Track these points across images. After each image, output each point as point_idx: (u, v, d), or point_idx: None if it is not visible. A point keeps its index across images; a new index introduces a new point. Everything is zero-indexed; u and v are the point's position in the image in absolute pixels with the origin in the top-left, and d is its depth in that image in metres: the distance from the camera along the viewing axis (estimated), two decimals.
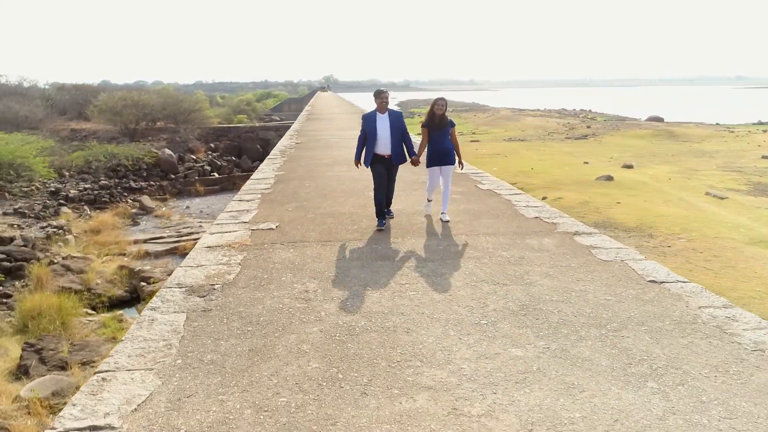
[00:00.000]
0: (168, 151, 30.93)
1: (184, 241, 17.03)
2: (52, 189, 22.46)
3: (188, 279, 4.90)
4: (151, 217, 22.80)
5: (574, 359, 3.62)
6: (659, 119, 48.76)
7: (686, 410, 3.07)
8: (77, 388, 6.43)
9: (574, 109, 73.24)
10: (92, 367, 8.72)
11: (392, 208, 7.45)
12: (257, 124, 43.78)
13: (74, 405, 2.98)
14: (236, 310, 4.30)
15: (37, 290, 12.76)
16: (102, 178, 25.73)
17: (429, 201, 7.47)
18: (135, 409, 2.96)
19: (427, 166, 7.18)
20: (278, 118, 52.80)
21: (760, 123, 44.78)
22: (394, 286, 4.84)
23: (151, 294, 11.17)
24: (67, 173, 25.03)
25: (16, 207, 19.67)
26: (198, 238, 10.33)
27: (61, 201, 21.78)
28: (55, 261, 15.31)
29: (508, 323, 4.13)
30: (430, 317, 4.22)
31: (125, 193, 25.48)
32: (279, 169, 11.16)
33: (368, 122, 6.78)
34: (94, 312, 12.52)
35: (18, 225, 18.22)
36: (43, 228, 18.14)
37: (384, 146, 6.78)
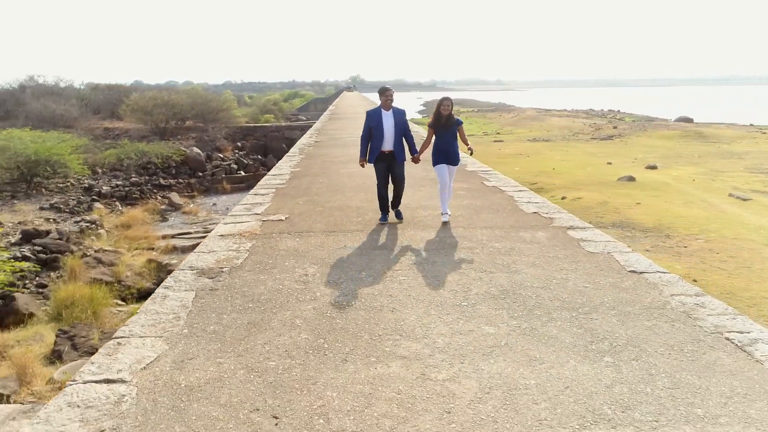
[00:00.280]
0: (196, 150, 31.83)
1: None
2: (86, 185, 23.40)
3: (200, 263, 5.39)
4: (179, 214, 23.57)
5: (541, 337, 3.96)
6: (688, 120, 47.96)
7: (634, 381, 3.39)
8: None
9: (602, 110, 72.37)
10: None
11: (401, 203, 7.44)
12: (283, 124, 44.59)
13: (92, 363, 3.46)
14: (240, 290, 4.75)
15: (70, 281, 13.44)
16: (133, 176, 26.66)
17: (445, 213, 7.23)
18: (144, 368, 3.42)
19: (434, 164, 7.26)
20: (304, 118, 53.61)
21: None
22: (386, 272, 5.24)
23: None
24: (100, 170, 26.01)
25: (52, 202, 20.58)
26: None
27: (94, 197, 22.67)
28: (88, 254, 16.06)
29: (487, 305, 4.49)
30: (415, 299, 4.60)
31: (155, 190, 26.34)
32: (295, 166, 11.65)
33: (373, 118, 6.98)
34: (123, 303, 13.12)
35: (54, 219, 19.07)
36: (77, 222, 18.94)
37: (387, 142, 7.00)
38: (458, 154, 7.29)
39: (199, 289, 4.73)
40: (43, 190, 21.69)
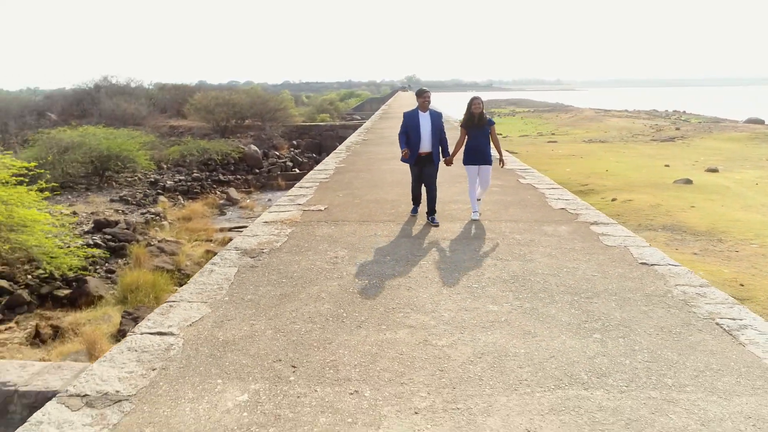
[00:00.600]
0: (254, 147, 33.19)
1: None
2: (152, 180, 24.93)
3: (244, 244, 6.06)
4: (236, 208, 24.75)
5: (539, 315, 4.36)
6: (759, 121, 45.72)
7: (615, 354, 3.76)
8: None
9: (666, 111, 69.88)
10: None
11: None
12: (338, 123, 45.62)
13: (148, 320, 4.14)
14: (277, 268, 5.37)
15: (135, 268, 14.52)
16: (195, 171, 28.14)
17: (474, 212, 7.41)
18: (189, 325, 4.07)
19: (464, 164, 7.32)
20: (359, 117, 54.57)
21: None
22: (409, 257, 5.74)
23: None
24: (164, 166, 27.60)
25: (122, 195, 22.09)
26: None
27: (159, 191, 24.14)
28: (152, 243, 17.25)
29: (496, 288, 4.92)
30: (430, 280, 5.08)
31: (214, 186, 27.71)
32: (341, 162, 12.30)
33: (410, 119, 7.06)
34: None
35: (122, 211, 20.50)
36: (142, 214, 20.28)
37: (424, 144, 7.06)
38: (490, 154, 7.27)
39: (241, 266, 5.38)
40: (114, 183, 23.30)
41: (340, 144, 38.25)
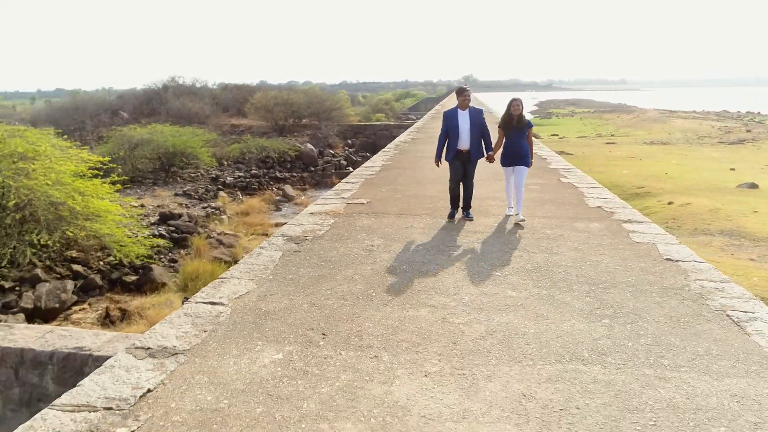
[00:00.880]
0: (310, 146, 34.21)
1: None
2: (213, 176, 26.22)
3: (290, 232, 6.64)
4: (292, 204, 25.69)
5: (554, 301, 4.68)
6: None
7: (620, 338, 4.04)
8: None
9: (738, 112, 66.66)
10: None
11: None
12: (392, 123, 46.21)
13: (202, 292, 4.74)
14: (317, 253, 5.90)
15: (196, 258, 15.45)
16: (253, 168, 29.34)
17: (510, 208, 7.61)
18: (237, 297, 4.64)
19: (502, 165, 7.42)
20: (414, 117, 55.00)
21: None
22: (440, 247, 6.14)
23: None
24: (225, 163, 28.92)
25: (185, 189, 23.39)
26: None
27: (219, 186, 25.36)
28: (211, 236, 18.27)
29: (517, 277, 5.25)
30: (457, 267, 5.47)
31: (271, 182, 28.79)
32: (387, 160, 12.80)
33: (449, 119, 7.19)
34: None
35: (185, 204, 21.72)
36: (204, 208, 21.42)
37: (463, 141, 7.15)
38: (528, 156, 7.28)
39: (286, 251, 5.95)
40: (178, 178, 24.67)
41: None
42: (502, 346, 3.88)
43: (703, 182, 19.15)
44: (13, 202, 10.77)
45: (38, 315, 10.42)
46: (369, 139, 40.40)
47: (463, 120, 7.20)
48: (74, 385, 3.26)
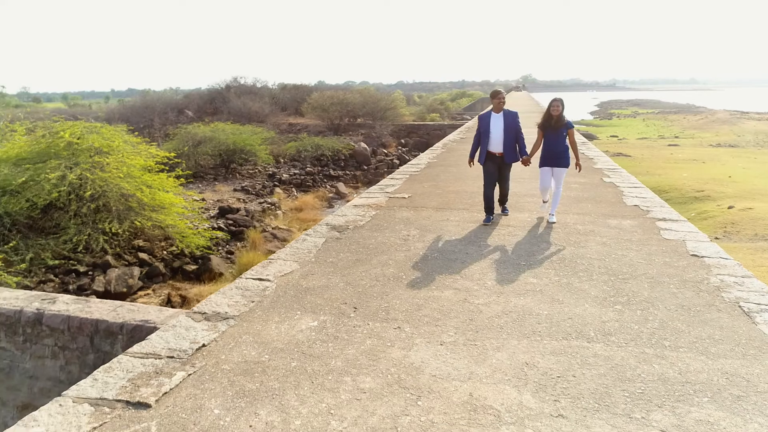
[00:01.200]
0: (363, 145, 34.95)
1: None
2: (270, 173, 27.30)
3: (334, 221, 7.20)
4: (344, 202, 26.37)
5: (572, 288, 5.01)
6: None
7: (628, 321, 4.35)
8: None
9: None
10: None
11: (510, 190, 7.84)
12: (446, 123, 46.36)
13: (252, 270, 5.35)
14: (357, 240, 6.42)
15: (251, 250, 16.29)
16: (308, 166, 30.30)
17: (544, 202, 7.67)
18: (282, 275, 5.22)
19: (540, 166, 7.42)
20: (468, 117, 54.87)
21: None
22: (471, 238, 6.54)
23: None
24: (282, 160, 30.02)
25: (243, 185, 24.50)
26: None
27: (276, 183, 26.39)
28: (266, 230, 19.17)
29: (541, 266, 5.60)
30: (485, 257, 5.87)
31: (325, 180, 29.65)
32: (433, 158, 13.21)
33: (483, 121, 7.32)
34: None
35: (243, 199, 22.78)
36: (260, 203, 22.40)
37: (496, 144, 7.25)
38: (567, 157, 7.28)
39: (328, 238, 6.50)
40: (237, 174, 25.86)
41: None
42: (515, 324, 4.27)
43: None
44: (90, 192, 11.82)
45: (108, 298, 11.41)
46: (422, 139, 40.75)
47: (497, 123, 7.27)
48: None
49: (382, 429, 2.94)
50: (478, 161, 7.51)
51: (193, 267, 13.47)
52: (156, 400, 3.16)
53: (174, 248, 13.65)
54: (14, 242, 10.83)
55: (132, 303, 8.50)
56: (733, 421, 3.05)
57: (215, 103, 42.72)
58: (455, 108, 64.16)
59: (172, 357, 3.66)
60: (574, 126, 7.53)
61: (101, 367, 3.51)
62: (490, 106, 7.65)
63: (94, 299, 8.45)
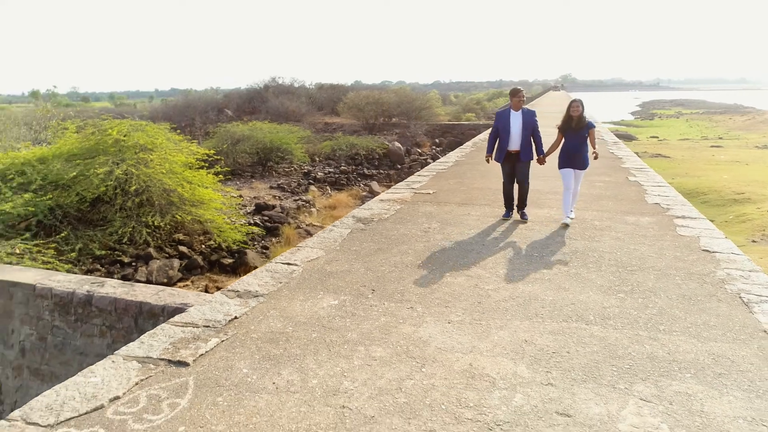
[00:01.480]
0: (397, 144, 35.33)
1: None
2: (305, 171, 27.96)
3: (360, 214, 7.63)
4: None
5: (580, 278, 5.30)
6: None
7: (628, 308, 4.62)
8: None
9: None
10: None
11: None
12: (481, 122, 46.33)
13: (281, 256, 5.82)
14: (380, 231, 6.83)
15: (285, 245, 16.80)
16: (342, 165, 30.85)
17: (568, 218, 7.29)
18: (308, 261, 5.67)
19: (559, 168, 7.37)
20: None
21: None
22: (490, 231, 6.87)
23: None
24: (317, 159, 30.67)
25: (279, 183, 25.19)
26: None
27: (310, 181, 27.00)
28: (300, 226, 19.72)
29: (553, 258, 5.89)
30: (500, 248, 6.19)
31: (359, 179, 30.13)
32: (462, 156, 13.52)
33: (501, 119, 7.36)
34: None
35: (279, 197, 23.44)
36: (295, 200, 23.01)
37: (514, 142, 7.32)
38: (587, 159, 7.30)
39: (354, 229, 6.93)
40: (274, 172, 26.60)
41: None
42: (520, 308, 4.60)
43: None
44: (134, 187, 12.53)
45: None
46: (457, 138, 40.86)
47: (515, 121, 7.32)
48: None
49: (388, 389, 3.34)
50: (496, 159, 7.60)
51: (230, 260, 14.03)
52: (193, 360, 3.64)
53: (212, 242, 14.23)
54: (65, 233, 11.60)
55: (173, 288, 9.11)
56: (710, 394, 3.33)
57: (254, 103, 43.80)
58: (492, 108, 63.89)
59: (207, 326, 4.14)
60: (596, 125, 7.57)
61: (147, 333, 4.01)
62: (508, 103, 7.88)
63: (138, 284, 9.10)
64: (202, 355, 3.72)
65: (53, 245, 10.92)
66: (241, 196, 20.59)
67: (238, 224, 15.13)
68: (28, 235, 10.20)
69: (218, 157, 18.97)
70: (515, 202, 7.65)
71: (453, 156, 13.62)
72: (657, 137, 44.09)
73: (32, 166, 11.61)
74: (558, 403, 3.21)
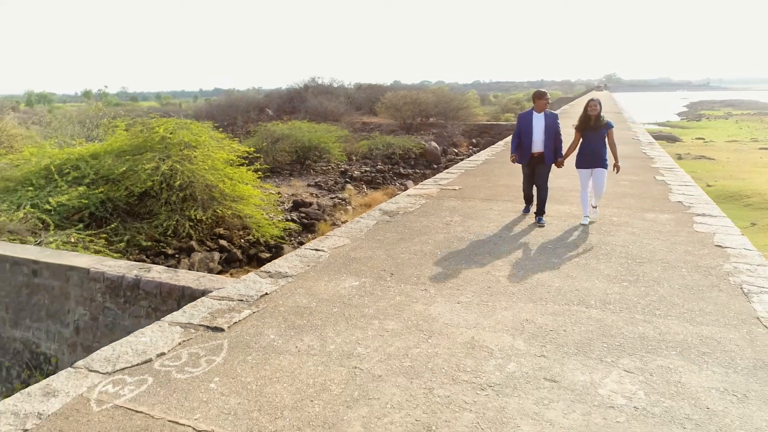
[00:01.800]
0: (434, 144, 35.64)
1: None
2: (342, 169, 28.59)
3: (386, 207, 8.10)
4: None
5: (588, 268, 5.61)
6: None
7: (630, 295, 4.93)
8: None
9: None
10: None
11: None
12: None
13: (311, 242, 6.34)
14: (404, 223, 7.27)
15: None
16: (379, 164, 31.35)
17: (586, 216, 7.37)
18: (335, 248, 6.16)
19: (576, 167, 7.37)
20: None
21: None
22: (509, 225, 7.22)
23: None
24: (354, 158, 31.27)
25: (317, 181, 25.88)
26: None
27: (347, 179, 27.59)
28: (336, 223, 20.30)
29: (565, 249, 6.21)
30: (516, 240, 6.54)
31: (395, 178, 30.56)
32: (492, 155, 13.82)
33: (524, 121, 7.42)
34: None
35: (316, 194, 24.10)
36: (331, 198, 23.61)
37: (536, 144, 7.34)
38: (605, 158, 7.22)
39: (379, 220, 7.39)
40: (311, 170, 27.32)
41: None
42: (526, 291, 4.96)
43: None
44: (179, 182, 13.28)
45: None
46: (494, 139, 40.76)
47: (538, 123, 7.33)
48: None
49: (395, 355, 3.78)
50: (518, 161, 7.60)
51: (267, 255, 14.61)
52: (228, 327, 4.16)
53: (251, 237, 14.84)
54: (115, 224, 12.42)
55: (212, 275, 9.76)
56: (690, 368, 3.64)
57: (293, 103, 44.80)
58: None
59: (241, 300, 4.67)
60: (613, 126, 7.43)
61: (189, 303, 4.56)
62: (532, 105, 8.06)
63: (180, 270, 9.78)
64: (236, 323, 4.24)
65: (104, 236, 11.71)
66: (279, 193, 21.30)
67: (276, 220, 15.73)
68: (81, 225, 10.99)
69: (258, 155, 19.66)
70: (534, 199, 7.80)
71: (483, 155, 13.94)
72: (703, 138, 43.03)
73: (86, 161, 12.46)
74: (547, 371, 3.59)
